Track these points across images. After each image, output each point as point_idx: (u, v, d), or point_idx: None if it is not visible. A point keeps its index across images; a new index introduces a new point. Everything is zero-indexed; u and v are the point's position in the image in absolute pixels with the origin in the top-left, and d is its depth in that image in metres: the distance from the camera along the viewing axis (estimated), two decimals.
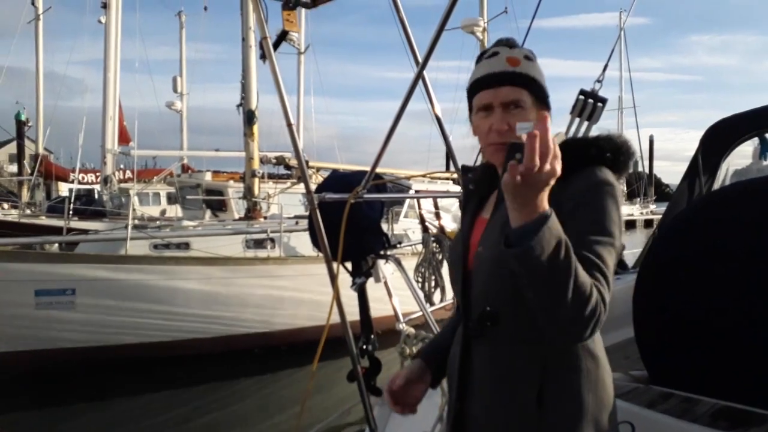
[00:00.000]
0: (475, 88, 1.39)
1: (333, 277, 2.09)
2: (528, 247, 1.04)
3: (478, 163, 1.69)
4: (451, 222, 10.33)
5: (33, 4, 24.45)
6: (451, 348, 1.52)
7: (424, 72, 2.26)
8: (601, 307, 1.14)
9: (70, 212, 12.26)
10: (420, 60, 2.24)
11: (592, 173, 1.27)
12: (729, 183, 3.42)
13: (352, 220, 2.03)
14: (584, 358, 1.29)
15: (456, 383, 1.37)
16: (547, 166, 1.02)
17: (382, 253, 2.36)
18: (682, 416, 1.80)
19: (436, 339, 1.62)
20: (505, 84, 1.34)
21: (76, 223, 12.05)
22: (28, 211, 16.20)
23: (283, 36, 2.24)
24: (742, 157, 3.59)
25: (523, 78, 1.35)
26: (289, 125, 2.11)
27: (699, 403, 1.90)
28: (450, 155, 2.51)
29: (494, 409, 1.30)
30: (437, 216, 3.68)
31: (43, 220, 13.81)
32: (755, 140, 3.53)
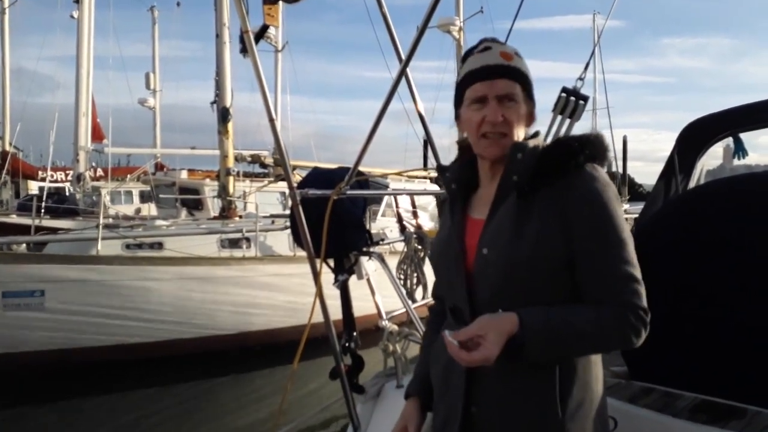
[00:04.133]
0: (468, 80, 1.39)
1: (316, 274, 2.07)
2: (531, 355, 1.21)
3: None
4: (428, 221, 10.36)
5: None
6: (434, 348, 1.51)
7: (407, 70, 2.25)
8: (628, 327, 1.24)
9: (42, 210, 12.00)
10: (403, 58, 2.22)
11: (594, 176, 1.30)
12: (703, 182, 3.47)
13: (335, 216, 2.01)
14: None
15: (463, 386, 1.35)
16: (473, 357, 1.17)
17: (365, 249, 2.35)
18: (662, 410, 1.82)
19: (422, 372, 1.57)
20: (502, 77, 1.36)
21: (48, 222, 11.79)
22: None
23: (263, 30, 2.21)
24: (713, 157, 3.65)
25: (517, 72, 1.37)
26: (271, 120, 2.08)
27: (679, 397, 1.92)
28: (434, 153, 2.51)
29: (513, 409, 1.29)
30: (414, 215, 3.68)
31: (14, 219, 13.48)
32: (726, 141, 3.59)
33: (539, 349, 1.19)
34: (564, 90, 2.15)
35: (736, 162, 3.72)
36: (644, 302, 1.26)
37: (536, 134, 1.43)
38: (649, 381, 2.09)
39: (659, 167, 3.46)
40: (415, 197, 3.92)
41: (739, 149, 3.63)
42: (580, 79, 2.23)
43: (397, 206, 3.71)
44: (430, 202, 10.67)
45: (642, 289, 1.27)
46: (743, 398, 1.85)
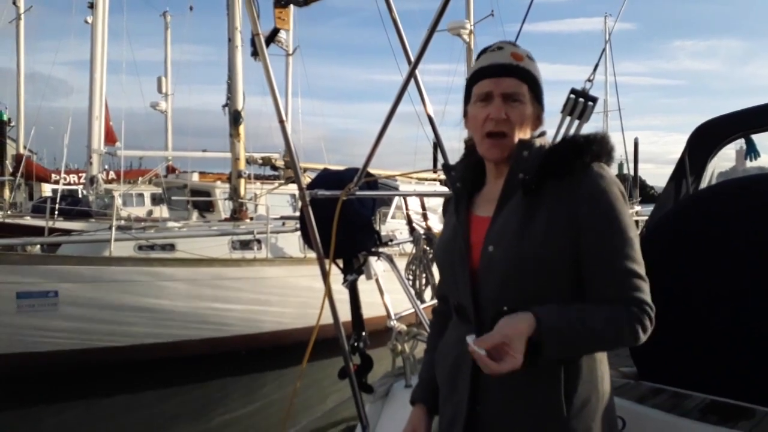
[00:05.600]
0: (476, 77, 1.40)
1: (325, 275, 2.08)
2: (547, 356, 1.20)
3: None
4: (438, 223, 10.34)
5: (14, 3, 24.21)
6: (440, 348, 1.51)
7: (416, 72, 2.26)
8: (636, 323, 1.24)
9: (55, 213, 12.12)
10: (412, 60, 2.24)
11: (600, 174, 1.31)
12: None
13: (344, 217, 2.03)
14: None
15: (468, 385, 1.35)
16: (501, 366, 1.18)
17: (373, 250, 2.36)
18: (671, 411, 1.81)
19: (427, 377, 1.57)
20: (509, 75, 1.36)
21: (61, 224, 11.92)
22: (9, 212, 15.97)
23: (274, 33, 2.24)
24: (725, 159, 3.63)
25: (526, 73, 1.38)
26: (281, 122, 2.10)
27: (689, 398, 1.92)
28: (443, 154, 2.52)
29: (518, 407, 1.30)
30: (424, 216, 3.69)
31: (28, 221, 13.63)
32: (738, 142, 3.57)
33: (556, 348, 1.20)
34: (573, 91, 2.15)
35: (748, 164, 3.70)
36: (649, 299, 1.27)
37: (543, 134, 1.44)
38: (658, 381, 2.09)
39: (670, 169, 3.44)
40: (425, 199, 3.93)
41: (751, 151, 3.61)
42: (589, 80, 2.23)
43: (406, 208, 3.72)
44: (440, 204, 10.66)
45: (647, 286, 1.27)
46: (753, 399, 1.85)
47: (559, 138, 2.01)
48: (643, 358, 2.18)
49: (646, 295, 1.26)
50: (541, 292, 1.27)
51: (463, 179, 1.49)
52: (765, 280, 1.98)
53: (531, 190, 1.31)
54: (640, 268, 1.28)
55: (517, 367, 1.16)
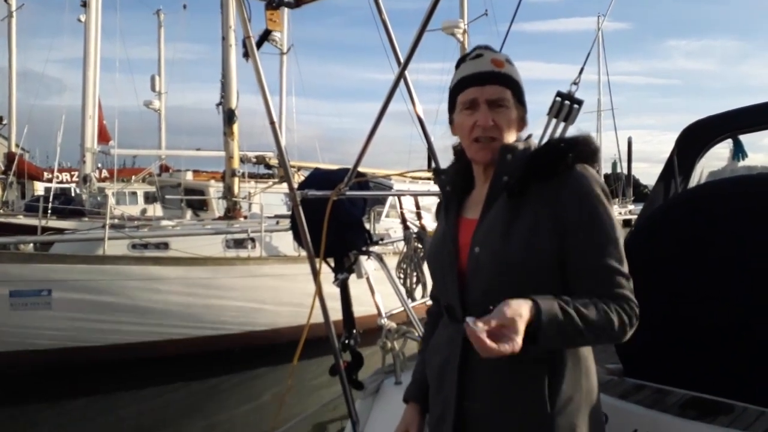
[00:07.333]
0: (460, 86, 1.44)
1: (315, 273, 2.11)
2: (542, 344, 1.20)
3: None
4: (432, 222, 10.36)
5: (6, 1, 24.11)
6: (431, 346, 1.54)
7: (406, 72, 2.29)
8: (625, 316, 1.27)
9: (48, 211, 12.09)
10: (402, 60, 2.26)
11: (584, 175, 1.33)
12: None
13: (334, 216, 2.05)
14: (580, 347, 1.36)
15: (456, 383, 1.38)
16: (499, 347, 1.13)
17: (364, 249, 2.39)
18: (652, 406, 1.85)
19: (420, 377, 1.60)
20: (492, 83, 1.40)
21: (54, 223, 11.88)
22: (2, 210, 15.91)
23: (266, 35, 2.26)
24: (717, 159, 3.66)
25: (508, 79, 1.42)
26: (272, 123, 2.12)
27: (670, 394, 1.95)
28: (432, 155, 2.55)
29: (505, 405, 1.32)
30: (418, 216, 3.71)
31: (21, 219, 13.57)
32: (729, 142, 3.60)
33: (552, 336, 1.19)
34: (559, 94, 2.18)
35: (740, 164, 3.74)
36: (633, 296, 1.30)
37: (528, 137, 1.48)
38: (643, 378, 2.12)
39: None
40: (420, 198, 3.95)
41: (739, 151, 3.64)
42: (575, 83, 2.26)
43: (401, 207, 3.74)
44: (435, 203, 10.68)
45: (630, 284, 1.31)
46: (735, 395, 1.88)
47: (545, 140, 2.05)
48: (628, 355, 2.21)
49: (630, 292, 1.30)
50: (527, 293, 1.29)
51: (453, 183, 1.53)
52: (750, 278, 2.01)
53: (515, 193, 1.35)
54: (623, 266, 1.31)
55: (515, 351, 1.12)
